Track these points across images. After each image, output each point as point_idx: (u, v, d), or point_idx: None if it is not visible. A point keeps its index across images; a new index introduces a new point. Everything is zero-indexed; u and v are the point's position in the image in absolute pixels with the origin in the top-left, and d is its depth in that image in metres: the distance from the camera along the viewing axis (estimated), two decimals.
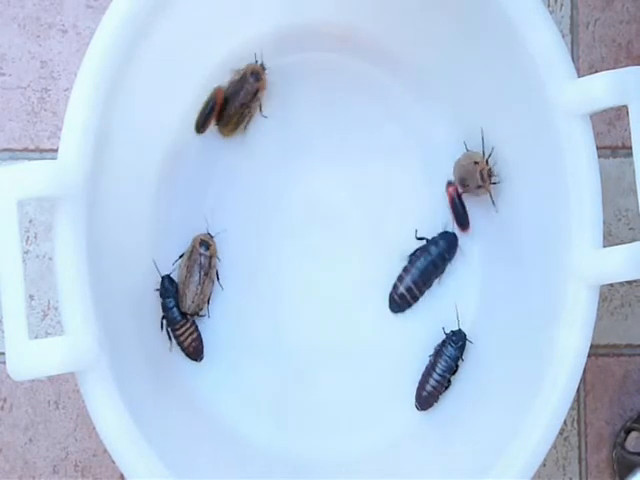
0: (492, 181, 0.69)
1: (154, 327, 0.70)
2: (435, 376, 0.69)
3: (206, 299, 0.71)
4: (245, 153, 0.72)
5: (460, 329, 0.70)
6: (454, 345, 0.69)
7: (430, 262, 0.70)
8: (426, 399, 0.70)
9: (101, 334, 0.58)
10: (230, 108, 0.71)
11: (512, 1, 0.60)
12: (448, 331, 0.70)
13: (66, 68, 0.77)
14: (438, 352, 0.70)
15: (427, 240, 0.71)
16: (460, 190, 0.71)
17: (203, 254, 0.69)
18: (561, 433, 0.76)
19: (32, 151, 0.77)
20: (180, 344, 0.70)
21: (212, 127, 0.72)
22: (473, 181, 0.69)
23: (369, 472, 0.69)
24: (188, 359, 0.70)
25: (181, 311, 0.70)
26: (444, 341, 0.70)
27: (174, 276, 0.70)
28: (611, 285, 0.76)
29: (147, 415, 0.60)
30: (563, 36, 0.62)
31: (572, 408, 0.76)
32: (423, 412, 0.70)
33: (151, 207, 0.70)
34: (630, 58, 0.77)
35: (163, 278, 0.70)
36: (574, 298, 0.59)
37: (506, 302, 0.68)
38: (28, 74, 0.77)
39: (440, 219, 0.72)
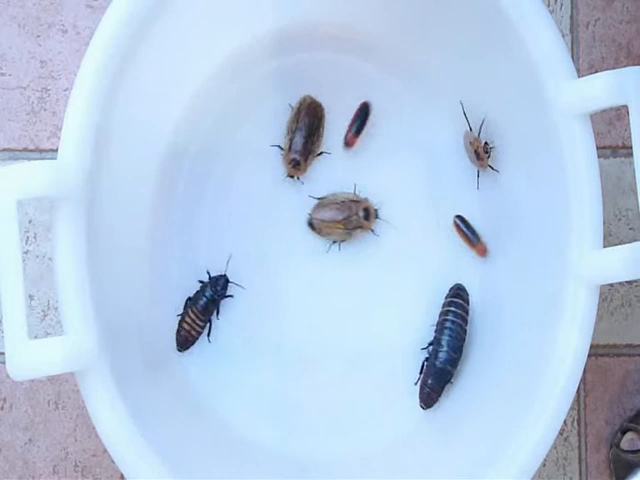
0: (488, 155, 0.69)
1: (154, 327, 0.70)
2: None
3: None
4: (245, 152, 0.72)
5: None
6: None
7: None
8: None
9: (101, 334, 0.58)
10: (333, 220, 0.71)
11: (512, 1, 0.60)
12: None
13: (66, 68, 0.77)
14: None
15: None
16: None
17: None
18: (561, 433, 0.76)
19: (32, 151, 0.77)
20: (179, 324, 0.70)
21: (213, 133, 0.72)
22: (472, 160, 0.70)
23: (369, 472, 0.69)
24: (190, 362, 0.71)
25: (207, 306, 0.70)
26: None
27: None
28: (611, 285, 0.76)
29: (147, 415, 0.60)
30: (563, 36, 0.62)
31: (572, 408, 0.76)
32: (423, 412, 0.70)
33: (150, 206, 0.70)
34: (630, 58, 0.77)
35: (226, 279, 0.70)
36: (574, 298, 0.59)
37: (506, 302, 0.68)
38: (28, 74, 0.77)
39: (440, 219, 0.72)
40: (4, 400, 0.76)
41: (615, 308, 0.77)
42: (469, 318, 0.70)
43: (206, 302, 0.70)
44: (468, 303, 0.70)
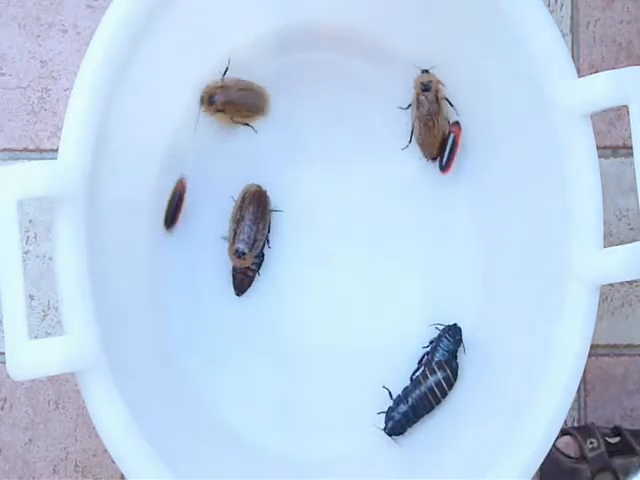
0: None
1: (155, 327, 0.70)
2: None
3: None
4: (245, 153, 0.72)
5: (455, 323, 0.70)
6: (451, 339, 0.70)
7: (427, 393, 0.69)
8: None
9: (101, 334, 0.58)
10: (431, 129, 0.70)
11: (512, 1, 0.60)
12: (444, 326, 0.70)
13: (66, 68, 0.77)
14: (434, 346, 0.70)
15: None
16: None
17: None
18: None
19: (32, 151, 0.77)
20: (233, 270, 0.70)
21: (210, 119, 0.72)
22: (426, 104, 0.70)
23: (369, 473, 0.69)
24: (191, 362, 0.71)
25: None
26: (440, 335, 0.70)
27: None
28: (611, 285, 0.76)
29: (147, 415, 0.60)
30: (563, 36, 0.62)
31: (572, 408, 0.75)
32: None
33: (151, 206, 0.70)
34: (630, 58, 0.77)
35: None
36: (574, 298, 0.59)
37: (506, 302, 0.68)
38: (28, 74, 0.77)
39: (439, 221, 0.72)
40: (4, 400, 0.76)
41: (615, 308, 0.77)
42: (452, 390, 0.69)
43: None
44: (455, 377, 0.69)
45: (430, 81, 0.70)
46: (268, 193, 0.71)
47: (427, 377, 0.69)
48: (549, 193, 0.62)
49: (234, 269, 0.71)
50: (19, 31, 0.77)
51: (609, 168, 0.77)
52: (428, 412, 0.69)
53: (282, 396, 0.71)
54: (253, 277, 0.71)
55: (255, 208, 0.70)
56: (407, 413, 0.69)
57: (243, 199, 0.70)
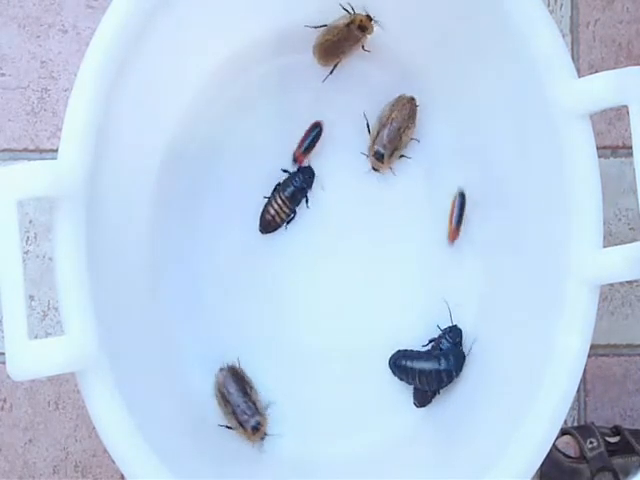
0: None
1: (155, 326, 0.70)
2: None
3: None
4: (244, 152, 0.72)
5: (456, 325, 0.70)
6: (450, 340, 0.70)
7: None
8: (423, 395, 0.70)
9: (101, 334, 0.58)
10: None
11: (512, 1, 0.60)
12: (444, 327, 0.70)
13: (66, 68, 0.77)
14: (434, 347, 0.70)
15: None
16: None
17: None
18: None
19: (32, 151, 0.77)
20: (265, 207, 0.71)
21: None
22: (348, 40, 0.70)
23: (371, 473, 0.69)
24: (190, 363, 0.71)
25: (294, 193, 0.71)
26: (440, 336, 0.70)
27: None
28: (611, 285, 0.76)
29: (147, 415, 0.60)
30: (563, 36, 0.62)
31: (572, 408, 0.76)
32: (423, 412, 0.70)
33: (150, 206, 0.70)
34: (630, 58, 0.77)
35: (312, 170, 0.71)
36: (574, 298, 0.59)
37: (506, 303, 0.68)
38: (28, 74, 0.77)
39: (441, 224, 0.72)
40: (4, 400, 0.76)
41: (615, 308, 0.77)
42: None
43: (294, 190, 0.71)
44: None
45: (381, 153, 0.71)
46: (241, 366, 0.70)
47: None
48: (549, 193, 0.62)
49: (265, 208, 0.71)
50: (19, 31, 0.77)
51: (609, 168, 0.77)
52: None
53: (285, 396, 0.71)
54: (280, 224, 0.72)
55: (238, 386, 0.69)
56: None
57: (222, 387, 0.69)
